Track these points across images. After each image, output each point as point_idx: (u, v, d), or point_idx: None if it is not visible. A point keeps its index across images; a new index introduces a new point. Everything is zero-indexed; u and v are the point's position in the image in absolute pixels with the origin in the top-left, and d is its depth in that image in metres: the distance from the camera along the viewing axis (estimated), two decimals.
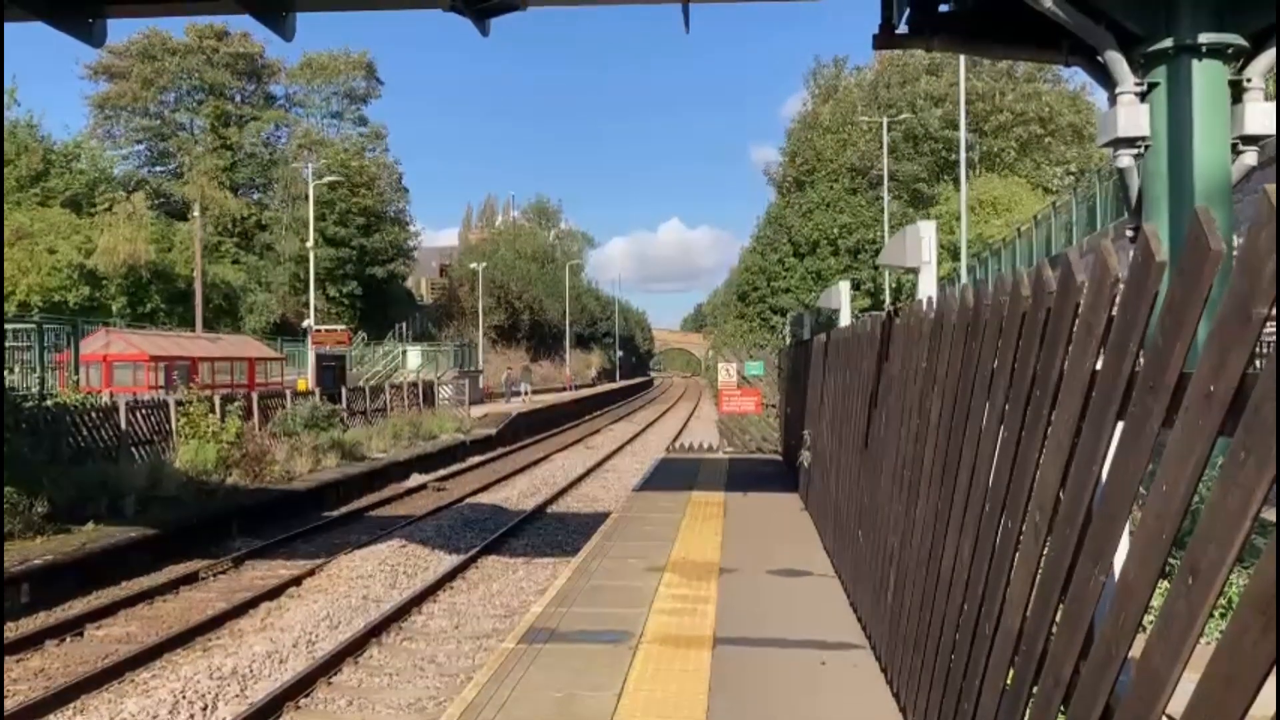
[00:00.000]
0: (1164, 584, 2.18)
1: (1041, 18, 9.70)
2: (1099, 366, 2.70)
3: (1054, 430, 3.05)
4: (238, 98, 70.72)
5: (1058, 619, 2.85)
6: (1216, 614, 2.28)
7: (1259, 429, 1.75)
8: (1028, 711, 3.08)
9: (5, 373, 19.14)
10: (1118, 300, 2.60)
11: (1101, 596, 2.53)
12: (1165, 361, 2.24)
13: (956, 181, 41.69)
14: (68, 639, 11.45)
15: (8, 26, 11.66)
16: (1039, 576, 3.06)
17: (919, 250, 8.58)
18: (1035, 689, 3.01)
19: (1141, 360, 2.41)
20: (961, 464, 4.26)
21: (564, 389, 71.94)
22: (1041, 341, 3.26)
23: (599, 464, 30.67)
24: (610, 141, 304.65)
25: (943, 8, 11.81)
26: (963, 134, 36.89)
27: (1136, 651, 2.21)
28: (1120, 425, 2.51)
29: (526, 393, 54.22)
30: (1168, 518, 2.13)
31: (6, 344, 20.38)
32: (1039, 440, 3.20)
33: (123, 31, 65.59)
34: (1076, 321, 2.92)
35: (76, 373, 25.41)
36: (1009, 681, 3.30)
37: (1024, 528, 3.27)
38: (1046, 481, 3.08)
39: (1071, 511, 2.80)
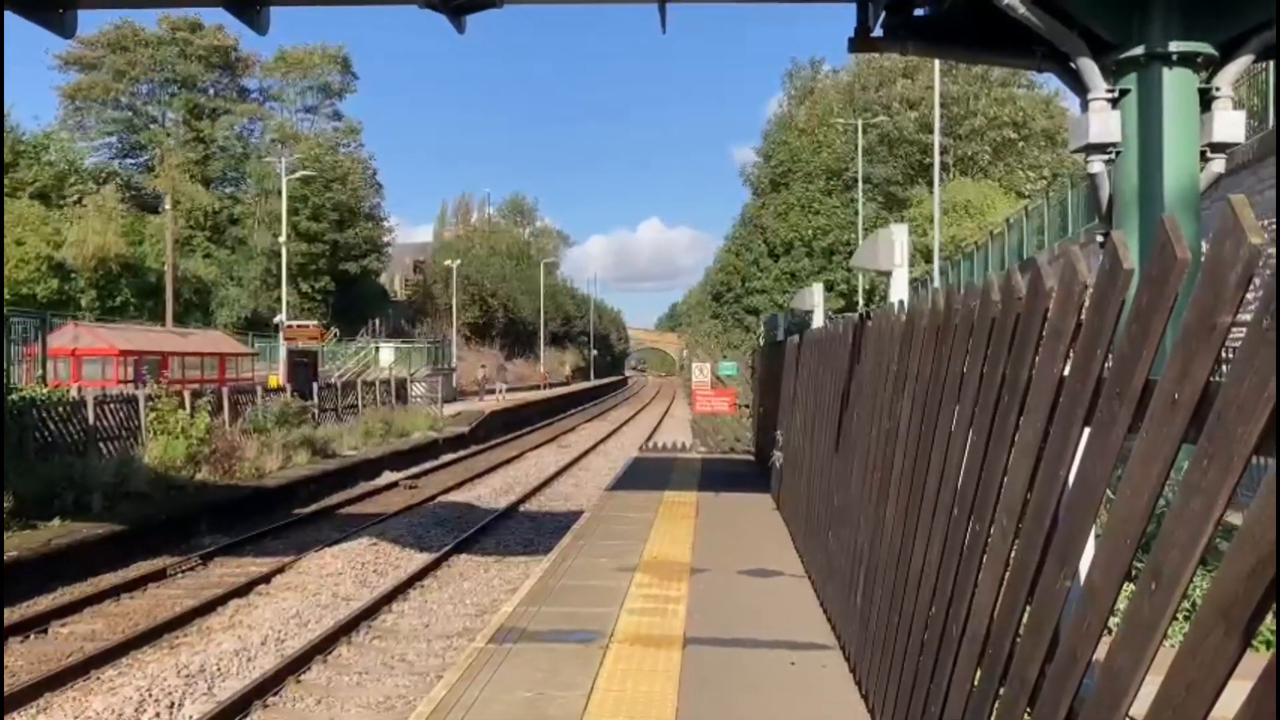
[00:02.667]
0: (1129, 587, 2.20)
1: (1015, 24, 9.78)
2: (1067, 372, 2.73)
3: (1022, 434, 3.08)
4: (211, 91, 69.99)
5: (1024, 621, 2.87)
6: (1180, 617, 2.31)
7: (1221, 436, 1.77)
8: (994, 713, 3.11)
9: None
10: (1086, 306, 2.62)
11: (1067, 599, 2.56)
12: (1131, 368, 2.26)
13: (930, 184, 41.94)
14: (32, 636, 11.32)
15: None
16: (1006, 579, 3.08)
17: (891, 253, 8.63)
18: (1001, 690, 3.03)
19: (1109, 366, 2.43)
20: (931, 467, 4.29)
21: (538, 387, 71.82)
22: (1010, 346, 3.28)
23: (572, 463, 30.64)
24: (592, 140, 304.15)
25: (918, 12, 11.87)
26: (937, 137, 37.11)
27: (1101, 654, 2.24)
28: (1087, 430, 2.53)
29: (501, 391, 54.10)
30: (1132, 522, 2.16)
31: None
32: (1007, 444, 3.22)
33: (94, 22, 64.88)
34: (1045, 327, 2.95)
35: (44, 366, 25.12)
36: (975, 683, 3.33)
37: (991, 531, 3.29)
38: (1014, 485, 3.10)
39: (1038, 515, 2.82)
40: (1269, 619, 2.66)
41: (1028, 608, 2.85)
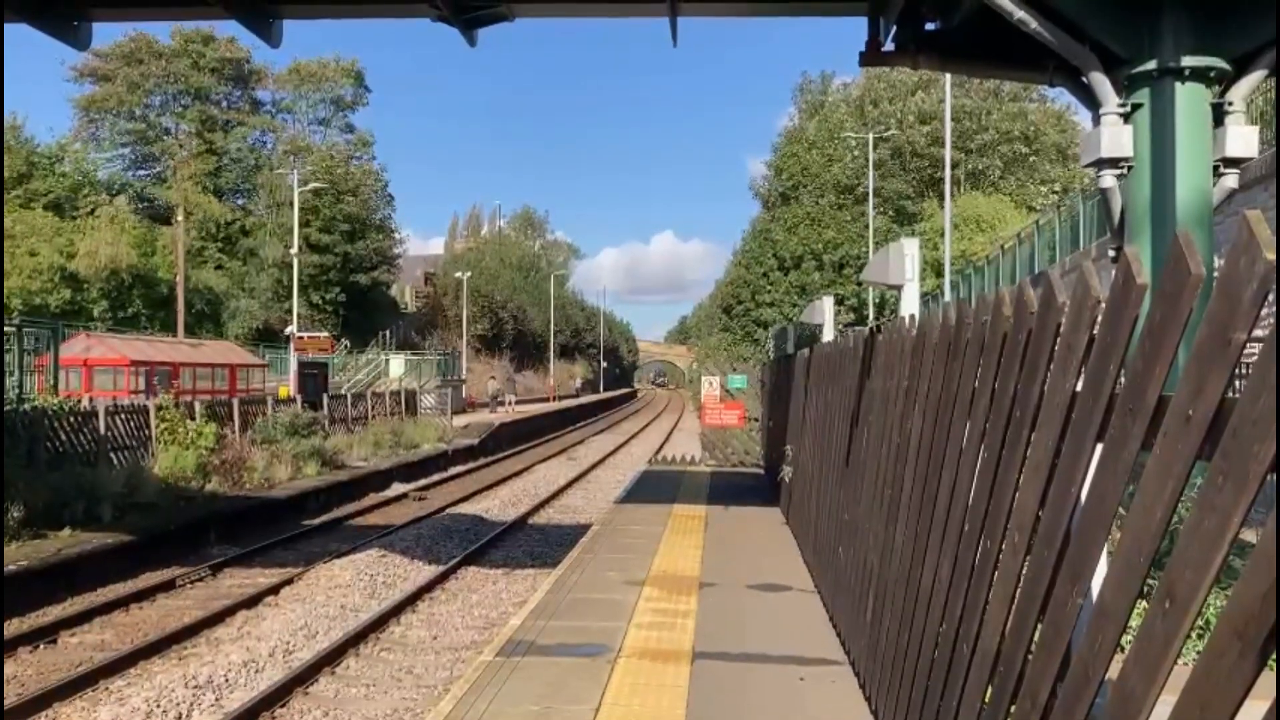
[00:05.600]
0: (1142, 605, 2.18)
1: (1027, 38, 9.77)
2: (1079, 388, 2.71)
3: (1033, 451, 3.06)
4: (224, 103, 70.43)
5: (1035, 639, 2.85)
6: (1194, 635, 2.29)
7: (1237, 453, 1.75)
8: None
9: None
10: (1099, 321, 2.60)
11: (1079, 618, 2.53)
12: (1145, 384, 2.24)
13: (941, 198, 41.91)
14: (41, 646, 11.33)
15: None
16: (1017, 597, 3.06)
17: (902, 267, 8.61)
18: (1012, 709, 3.00)
19: (1122, 382, 2.41)
20: (941, 483, 4.26)
21: (547, 399, 71.85)
22: (1022, 361, 3.26)
23: (581, 475, 30.61)
24: (606, 153, 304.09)
25: (929, 26, 11.87)
26: (948, 151, 37.10)
27: (1114, 673, 2.21)
28: (1099, 447, 2.51)
29: (511, 403, 54.13)
30: (1146, 539, 2.14)
31: None
32: (1019, 460, 3.20)
33: (108, 34, 65.37)
34: (1058, 342, 2.93)
35: (56, 376, 25.23)
36: (986, 701, 3.30)
37: (1003, 548, 3.27)
38: (1025, 502, 3.08)
39: (1050, 532, 2.80)
40: None
41: (1039, 626, 2.82)
